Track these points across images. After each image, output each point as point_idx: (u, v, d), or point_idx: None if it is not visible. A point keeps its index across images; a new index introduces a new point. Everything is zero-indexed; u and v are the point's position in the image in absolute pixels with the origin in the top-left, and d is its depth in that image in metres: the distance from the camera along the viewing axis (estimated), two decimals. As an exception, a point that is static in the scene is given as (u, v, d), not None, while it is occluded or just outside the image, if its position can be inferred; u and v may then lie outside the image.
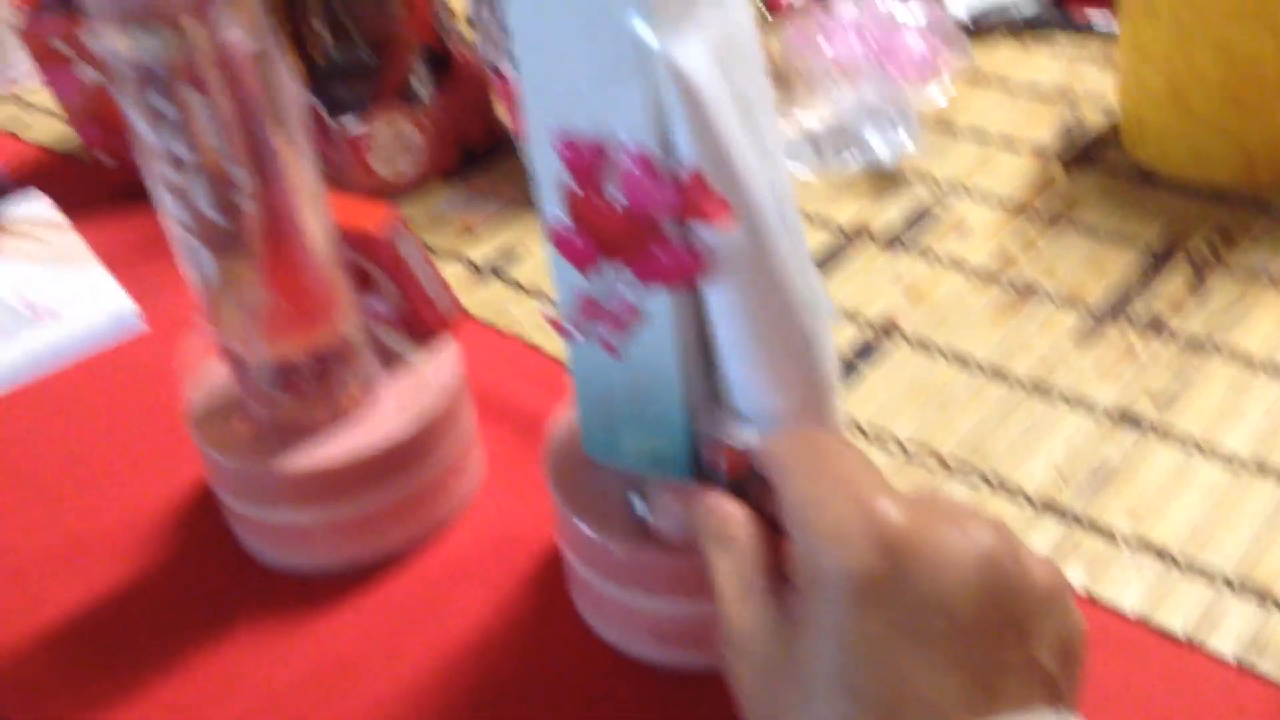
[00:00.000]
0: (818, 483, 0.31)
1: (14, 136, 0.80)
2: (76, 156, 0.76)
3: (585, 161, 0.33)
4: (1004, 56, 0.72)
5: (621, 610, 0.40)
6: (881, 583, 0.28)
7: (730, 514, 0.34)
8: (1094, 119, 0.65)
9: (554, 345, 0.55)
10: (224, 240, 0.39)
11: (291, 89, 0.39)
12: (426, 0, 0.65)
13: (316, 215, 0.41)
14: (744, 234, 0.33)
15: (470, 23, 0.65)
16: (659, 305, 0.35)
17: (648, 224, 0.33)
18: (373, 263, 0.45)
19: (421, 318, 0.47)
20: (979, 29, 0.74)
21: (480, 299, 0.58)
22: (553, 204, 0.35)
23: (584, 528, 0.38)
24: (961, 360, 0.51)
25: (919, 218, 0.60)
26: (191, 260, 0.40)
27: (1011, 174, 0.62)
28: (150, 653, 0.44)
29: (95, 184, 0.71)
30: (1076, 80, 0.69)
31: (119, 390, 0.57)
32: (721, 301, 0.34)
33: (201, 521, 0.49)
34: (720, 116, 0.32)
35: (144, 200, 0.69)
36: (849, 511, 0.29)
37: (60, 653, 0.44)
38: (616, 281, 0.35)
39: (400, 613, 0.44)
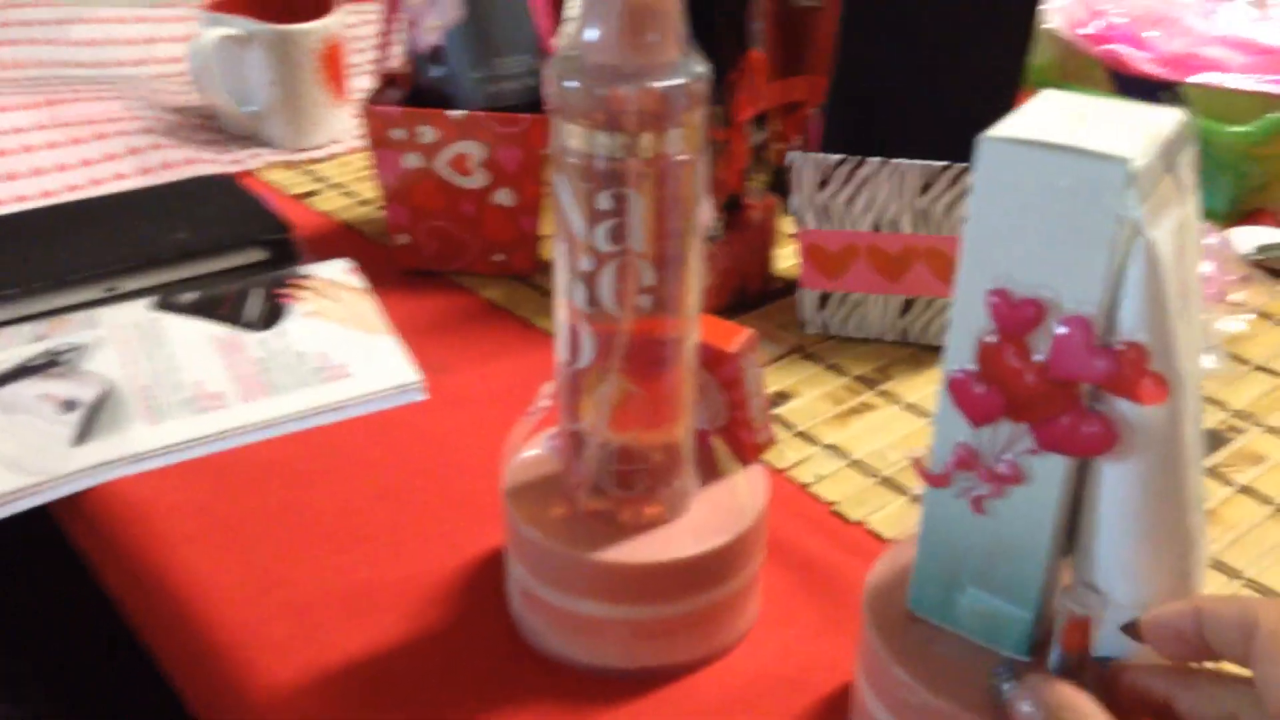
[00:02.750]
0: None
1: (303, 204, 0.85)
2: (362, 232, 0.80)
3: (1017, 316, 0.34)
4: (1289, 298, 0.72)
5: None
6: None
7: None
8: (1389, 375, 0.65)
9: (825, 489, 0.56)
10: (610, 329, 0.41)
11: (705, 203, 0.41)
12: (742, 154, 0.68)
13: (693, 322, 0.43)
14: (1163, 414, 0.33)
15: (782, 173, 0.68)
16: (1050, 470, 0.35)
17: (1066, 390, 0.34)
18: (717, 378, 0.46)
19: (740, 438, 0.48)
20: (1262, 268, 0.74)
21: (758, 435, 0.59)
22: (963, 353, 0.36)
23: (914, 684, 0.38)
24: (1263, 590, 0.50)
25: (1215, 441, 0.59)
26: (571, 342, 0.42)
27: (1306, 415, 0.61)
28: (417, 712, 0.44)
29: (385, 261, 0.75)
30: (1367, 334, 0.68)
31: (399, 452, 0.59)
32: (1120, 478, 0.34)
33: (483, 596, 0.50)
34: (1174, 298, 0.33)
35: (431, 282, 0.74)
36: None
37: (330, 695, 0.45)
38: (1010, 440, 0.36)
39: (673, 728, 0.44)
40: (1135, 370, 0.33)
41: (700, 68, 0.39)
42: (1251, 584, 0.50)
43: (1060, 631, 0.36)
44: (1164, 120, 0.34)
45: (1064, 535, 0.37)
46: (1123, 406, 0.33)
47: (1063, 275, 0.33)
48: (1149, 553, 0.35)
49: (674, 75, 0.38)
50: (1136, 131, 0.33)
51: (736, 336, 0.46)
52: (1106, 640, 0.36)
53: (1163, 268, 0.32)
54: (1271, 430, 0.60)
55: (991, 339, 0.35)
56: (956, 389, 0.36)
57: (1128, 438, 0.34)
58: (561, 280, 0.42)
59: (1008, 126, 0.34)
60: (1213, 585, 0.50)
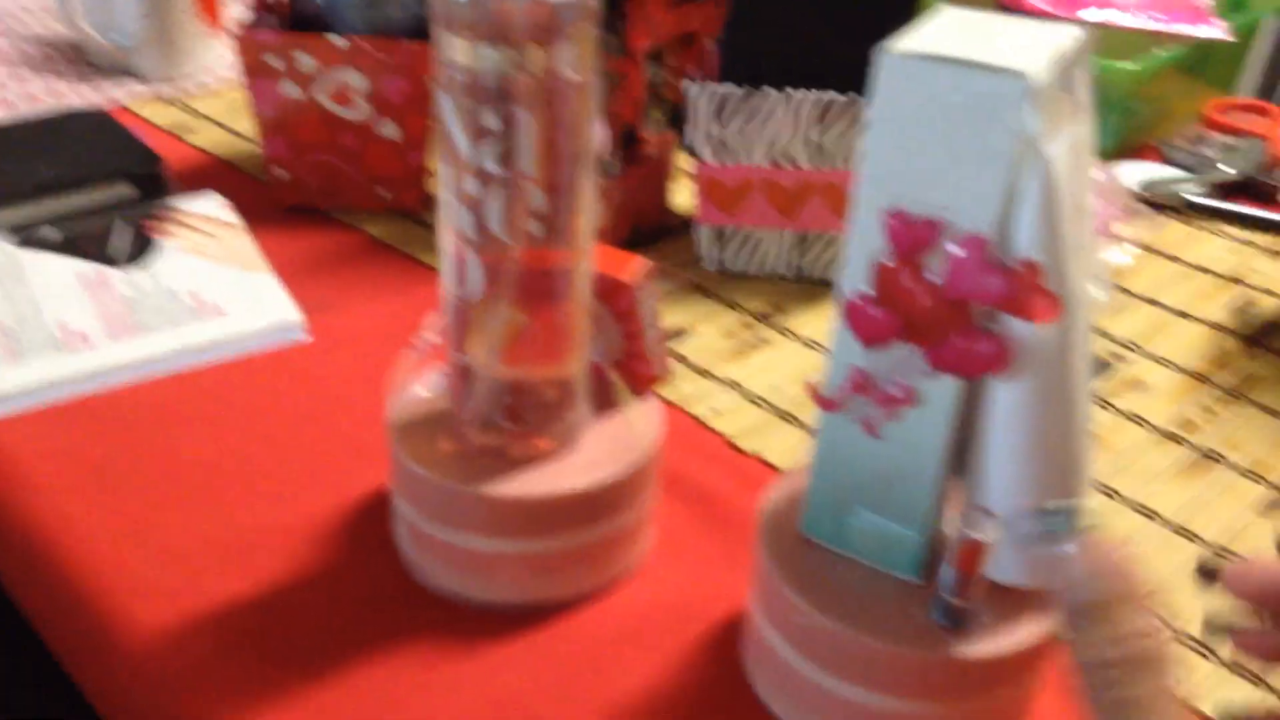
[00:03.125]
0: None
1: (178, 139, 0.81)
2: (240, 167, 0.77)
3: (912, 237, 0.34)
4: (1172, 234, 0.74)
5: (818, 695, 0.39)
6: None
7: None
8: (1267, 304, 0.66)
9: (722, 423, 0.55)
10: (499, 257, 0.40)
11: (599, 129, 0.39)
12: (638, 85, 0.67)
13: (585, 253, 0.41)
14: (1055, 335, 0.33)
15: (678, 110, 0.66)
16: (941, 391, 0.35)
17: (959, 310, 0.34)
18: (612, 309, 0.45)
19: (635, 371, 0.47)
20: (1146, 202, 0.75)
21: (654, 370, 0.58)
22: (857, 276, 0.35)
23: (806, 607, 0.38)
24: (1147, 513, 0.51)
25: (1100, 367, 0.60)
26: (458, 272, 0.40)
27: (1188, 344, 0.62)
28: (305, 655, 0.43)
29: (263, 197, 0.72)
30: (1247, 265, 0.70)
31: (279, 395, 0.56)
32: (1011, 399, 0.34)
33: (366, 536, 0.48)
34: (1067, 216, 0.32)
35: (312, 218, 0.71)
36: None
37: (213, 641, 0.43)
38: (903, 362, 0.35)
39: (567, 660, 0.43)
40: (1029, 289, 0.32)
41: (589, -20, 0.37)
42: (1140, 508, 0.51)
43: (953, 553, 0.36)
44: (1062, 38, 0.34)
45: (954, 457, 0.37)
46: (1015, 326, 0.33)
47: (959, 194, 0.33)
48: (1038, 473, 0.35)
49: (562, -14, 0.36)
50: (1035, 48, 0.32)
51: (632, 266, 0.45)
52: (1000, 562, 0.36)
53: (1058, 186, 0.32)
54: (1154, 358, 0.61)
55: (887, 261, 0.34)
56: (851, 312, 0.35)
57: (1020, 357, 0.33)
58: (446, 206, 0.40)
59: (907, 41, 0.33)
60: (1103, 508, 0.51)
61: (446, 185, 0.39)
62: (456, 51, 0.37)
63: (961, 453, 0.37)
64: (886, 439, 0.37)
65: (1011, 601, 0.38)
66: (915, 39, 0.33)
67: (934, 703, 0.37)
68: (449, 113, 0.38)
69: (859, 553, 0.39)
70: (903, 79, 0.32)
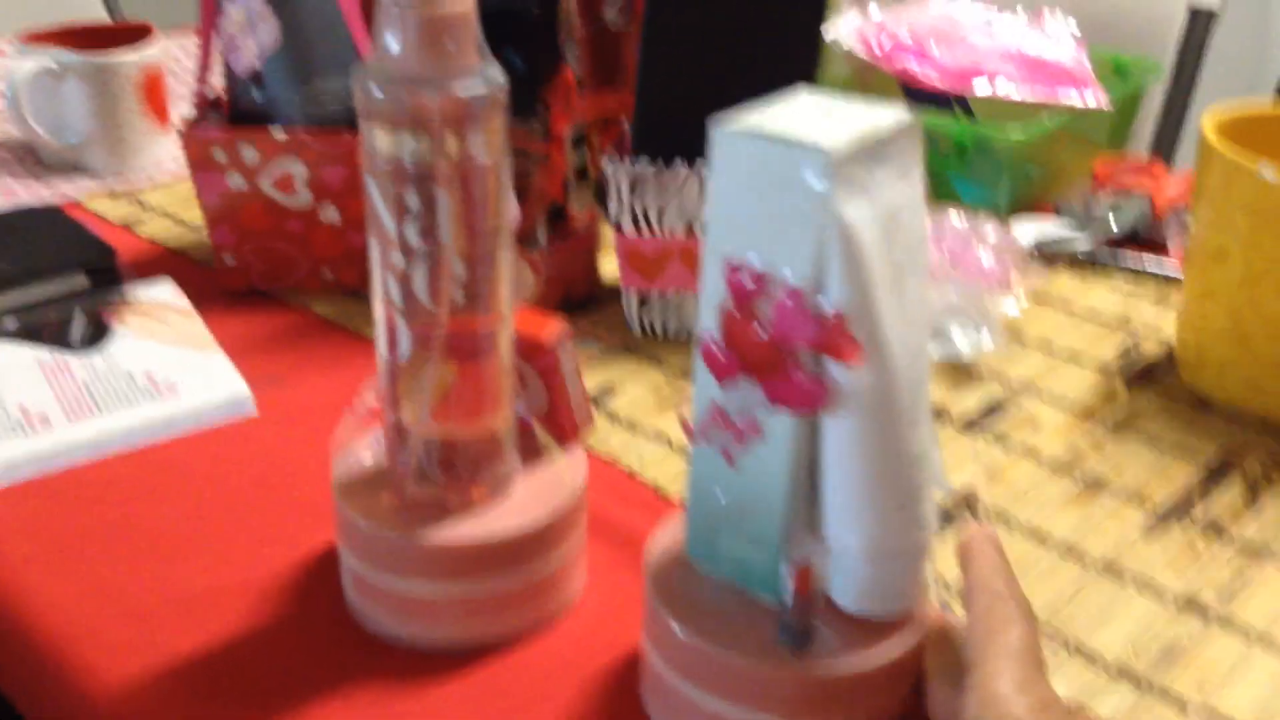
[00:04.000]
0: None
1: (129, 230, 0.85)
2: (189, 255, 0.81)
3: (747, 288, 0.38)
4: (1065, 285, 0.79)
5: (692, 710, 0.42)
6: None
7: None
8: (1150, 347, 0.72)
9: (650, 473, 0.59)
10: (426, 323, 0.44)
11: (511, 205, 0.44)
12: (562, 166, 0.72)
13: (507, 316, 0.46)
14: (872, 377, 0.38)
15: (600, 187, 0.71)
16: (781, 426, 0.40)
17: (788, 352, 0.38)
18: (533, 366, 0.49)
19: (560, 423, 0.51)
20: (1041, 256, 0.81)
21: (584, 427, 0.62)
22: (710, 321, 0.40)
23: (672, 622, 0.42)
24: (1038, 537, 0.55)
25: (994, 409, 0.65)
26: (389, 338, 0.45)
27: (1078, 384, 0.68)
28: (260, 703, 0.46)
29: (212, 282, 0.76)
30: (1133, 312, 0.76)
31: (232, 465, 0.60)
32: (838, 434, 0.39)
33: (316, 590, 0.51)
34: (871, 271, 0.37)
35: (260, 300, 0.75)
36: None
37: (172, 693, 0.46)
38: (748, 398, 0.40)
39: (508, 696, 0.46)
40: (839, 334, 0.37)
41: (499, 75, 0.42)
42: (1033, 532, 0.55)
43: (789, 576, 0.40)
44: (887, 118, 0.38)
45: (804, 494, 0.41)
46: (833, 368, 0.38)
47: (780, 250, 0.37)
48: (866, 503, 0.39)
49: (474, 81, 0.41)
50: (850, 126, 0.37)
51: (551, 328, 0.49)
52: (836, 585, 0.41)
53: (859, 246, 0.36)
54: (1045, 399, 0.66)
55: (730, 308, 0.39)
56: (705, 353, 0.40)
57: (838, 396, 0.38)
58: (377, 278, 0.44)
59: (739, 120, 0.38)
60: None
61: (376, 260, 0.44)
62: (379, 140, 0.41)
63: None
64: (740, 469, 0.41)
65: (866, 623, 0.42)
66: (749, 117, 0.38)
67: (787, 717, 0.41)
68: (375, 195, 0.42)
69: (728, 575, 0.43)
70: (731, 152, 0.38)
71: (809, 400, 0.38)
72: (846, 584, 0.41)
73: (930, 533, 0.41)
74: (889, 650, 0.41)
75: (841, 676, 0.40)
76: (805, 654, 0.40)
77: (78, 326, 0.69)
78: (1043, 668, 0.37)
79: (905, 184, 0.39)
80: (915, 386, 0.39)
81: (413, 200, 0.42)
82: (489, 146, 0.42)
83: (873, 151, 0.37)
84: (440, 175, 0.41)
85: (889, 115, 0.38)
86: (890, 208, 0.38)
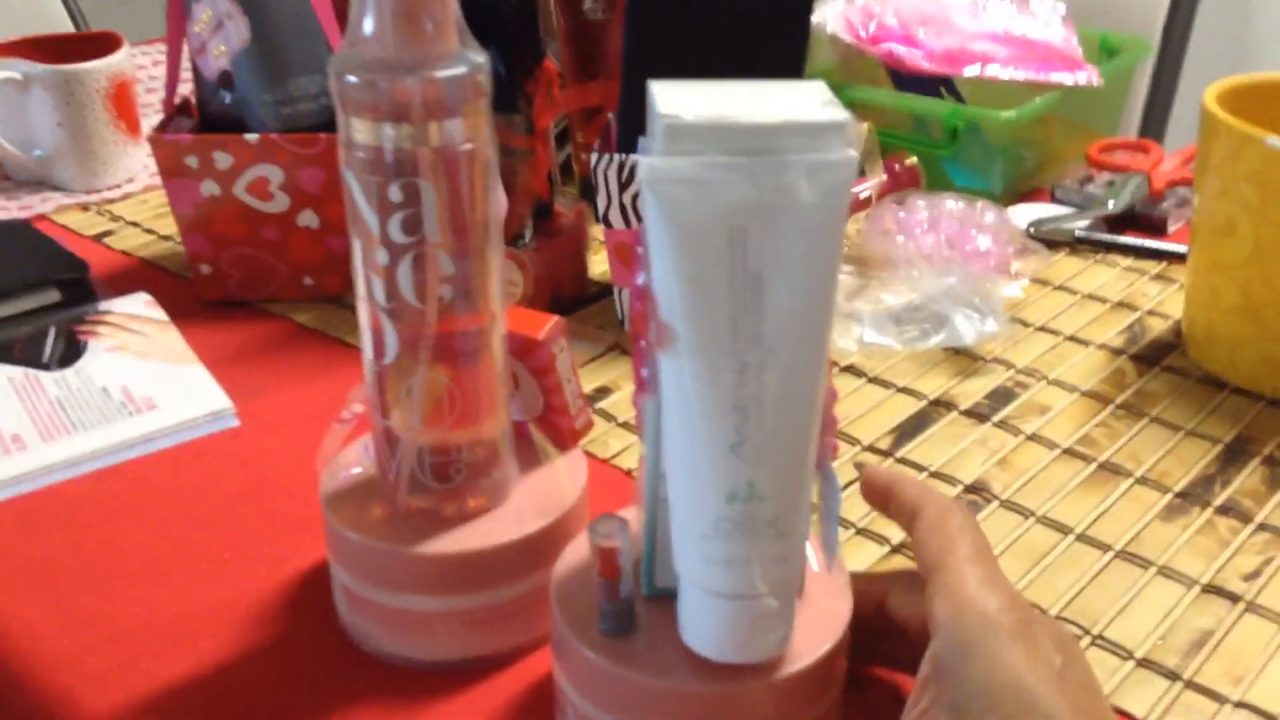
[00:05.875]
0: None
1: (101, 244, 0.82)
2: (163, 266, 0.79)
3: (640, 290, 0.36)
4: (1065, 267, 0.77)
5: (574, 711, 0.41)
6: None
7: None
8: (1156, 326, 0.70)
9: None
10: (414, 324, 0.42)
11: (500, 196, 0.42)
12: (546, 161, 0.70)
13: (498, 315, 0.43)
14: (673, 365, 0.34)
15: (588, 183, 0.69)
16: (650, 409, 0.37)
17: (641, 332, 0.37)
18: (529, 367, 0.47)
19: (558, 425, 0.49)
20: (1037, 238, 0.79)
21: (579, 429, 0.60)
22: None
23: (556, 615, 0.40)
24: (1055, 525, 0.53)
25: (1001, 396, 0.63)
26: (376, 342, 0.42)
27: (1084, 368, 0.66)
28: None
29: (188, 293, 0.73)
30: (1136, 292, 0.74)
31: (214, 479, 0.57)
32: (661, 418, 0.36)
33: (306, 607, 0.49)
34: (692, 269, 0.33)
35: (238, 310, 0.72)
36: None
37: (154, 717, 0.44)
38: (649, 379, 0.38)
39: (507, 714, 0.44)
40: (651, 317, 0.34)
41: (480, 57, 0.40)
42: (1042, 520, 0.54)
43: (594, 560, 0.38)
44: (821, 122, 0.33)
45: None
46: (653, 348, 0.35)
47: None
48: (681, 487, 0.36)
49: (454, 64, 0.39)
50: (753, 114, 0.33)
51: (544, 324, 0.47)
52: (686, 632, 0.38)
53: (673, 243, 0.33)
54: (1053, 383, 0.64)
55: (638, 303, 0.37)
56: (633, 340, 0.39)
57: (652, 382, 0.36)
58: (360, 280, 0.42)
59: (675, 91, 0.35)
60: (1006, 524, 0.53)
61: (359, 260, 0.41)
62: (358, 132, 0.39)
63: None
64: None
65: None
66: (688, 91, 0.35)
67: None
68: (356, 190, 0.40)
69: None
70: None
71: (641, 385, 0.37)
72: (667, 566, 0.38)
73: (785, 583, 0.37)
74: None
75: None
76: (625, 639, 0.39)
77: (50, 343, 0.67)
78: (999, 567, 0.38)
79: (808, 186, 0.33)
80: (744, 406, 0.34)
81: (395, 193, 0.39)
82: (473, 132, 0.40)
83: (747, 141, 0.33)
84: (423, 165, 0.39)
85: (828, 120, 0.33)
86: (759, 205, 0.33)
